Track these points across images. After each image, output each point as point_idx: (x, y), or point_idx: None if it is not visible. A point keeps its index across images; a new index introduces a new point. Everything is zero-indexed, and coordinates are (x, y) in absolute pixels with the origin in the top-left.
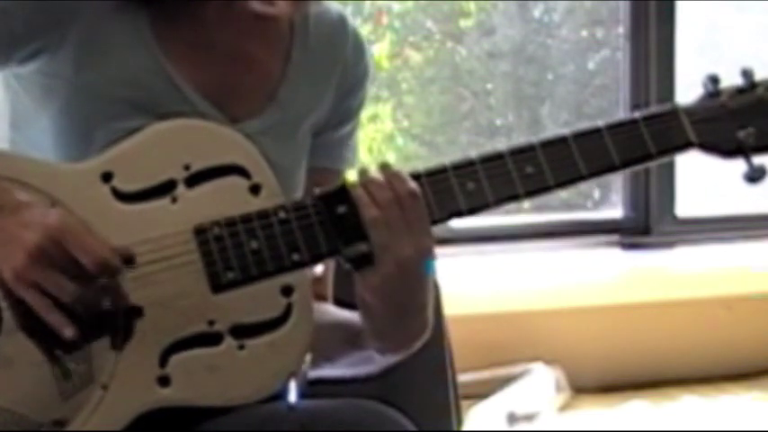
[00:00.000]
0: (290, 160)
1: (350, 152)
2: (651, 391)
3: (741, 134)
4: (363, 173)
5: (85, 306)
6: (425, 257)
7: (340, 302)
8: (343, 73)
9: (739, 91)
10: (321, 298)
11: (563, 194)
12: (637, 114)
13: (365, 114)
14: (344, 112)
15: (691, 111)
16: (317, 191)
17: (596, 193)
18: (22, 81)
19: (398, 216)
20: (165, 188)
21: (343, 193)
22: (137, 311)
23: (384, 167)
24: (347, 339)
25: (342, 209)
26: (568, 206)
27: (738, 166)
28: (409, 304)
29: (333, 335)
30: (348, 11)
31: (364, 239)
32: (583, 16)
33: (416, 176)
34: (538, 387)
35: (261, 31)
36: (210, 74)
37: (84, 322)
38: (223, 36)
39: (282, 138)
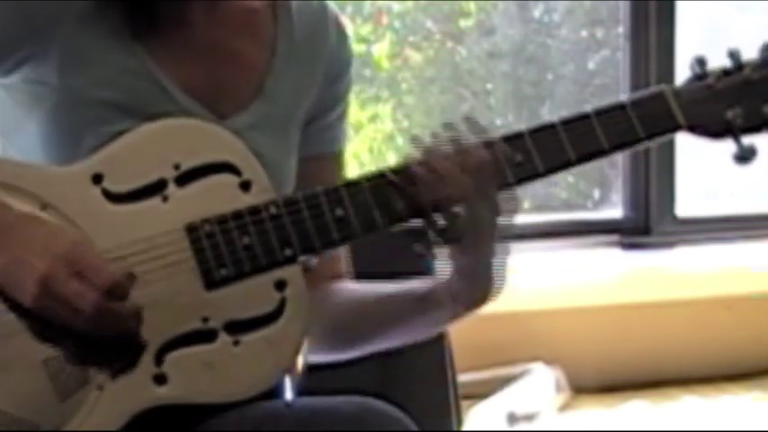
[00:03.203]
0: (279, 154)
1: (341, 134)
2: (651, 391)
3: (729, 115)
4: (416, 139)
5: (99, 329)
6: (497, 215)
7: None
8: (328, 60)
9: (726, 72)
10: (338, 277)
11: (563, 194)
12: (624, 98)
13: (365, 114)
14: (332, 97)
15: (678, 93)
16: (385, 169)
17: (596, 193)
18: (9, 90)
19: (470, 188)
20: (156, 188)
21: (405, 169)
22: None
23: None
24: (410, 307)
25: (403, 184)
26: (568, 206)
27: (737, 166)
28: (481, 264)
29: (388, 307)
30: (348, 11)
31: (442, 212)
32: (583, 16)
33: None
34: (538, 387)
35: (245, 25)
36: (196, 72)
37: (98, 345)
38: (207, 33)
39: (271, 131)
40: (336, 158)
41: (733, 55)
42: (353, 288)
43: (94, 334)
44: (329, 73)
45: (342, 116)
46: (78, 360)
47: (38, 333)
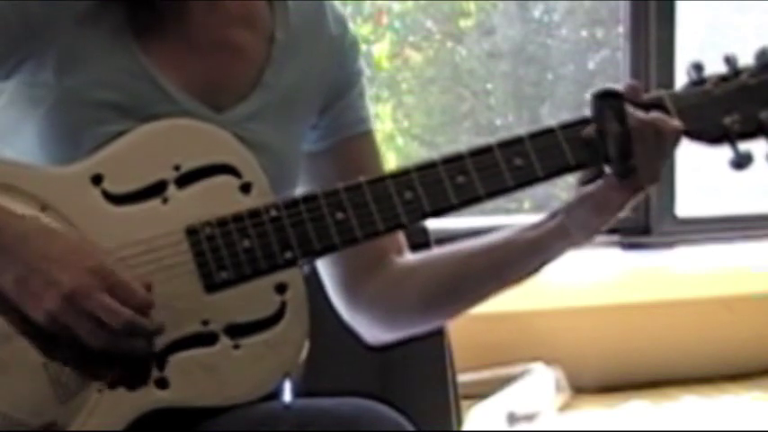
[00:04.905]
0: (281, 142)
1: (366, 114)
2: (651, 391)
3: (726, 121)
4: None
5: (119, 347)
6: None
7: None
8: (330, 47)
9: (723, 78)
10: (402, 250)
11: (564, 194)
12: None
13: None
14: (346, 78)
15: (676, 98)
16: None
17: None
18: (6, 95)
19: (658, 145)
20: (156, 189)
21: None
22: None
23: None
24: (524, 251)
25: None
26: None
27: (733, 171)
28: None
29: (498, 254)
30: (348, 11)
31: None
32: (583, 16)
33: (406, 172)
34: (538, 387)
35: (243, 18)
36: (195, 69)
37: (114, 359)
38: (207, 30)
39: (272, 120)
40: (369, 139)
41: (729, 61)
42: (445, 249)
43: (107, 351)
44: (337, 58)
45: (361, 95)
46: (83, 375)
47: (43, 348)
